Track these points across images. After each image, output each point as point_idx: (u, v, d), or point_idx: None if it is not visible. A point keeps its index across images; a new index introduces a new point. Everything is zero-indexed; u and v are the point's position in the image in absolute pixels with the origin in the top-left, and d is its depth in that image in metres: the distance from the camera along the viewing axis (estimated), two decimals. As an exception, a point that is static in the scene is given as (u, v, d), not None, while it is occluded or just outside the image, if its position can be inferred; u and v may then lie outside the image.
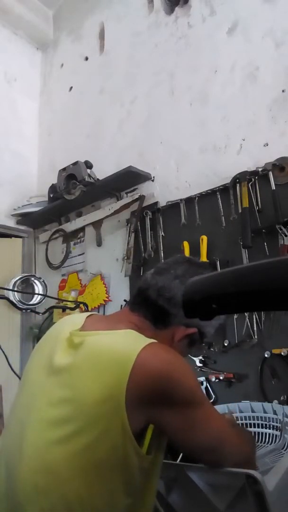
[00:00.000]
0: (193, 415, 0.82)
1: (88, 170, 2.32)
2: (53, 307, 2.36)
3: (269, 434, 1.32)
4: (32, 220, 2.75)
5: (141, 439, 0.81)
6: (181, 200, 1.97)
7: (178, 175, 2.08)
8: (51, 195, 2.54)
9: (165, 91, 2.23)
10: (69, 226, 2.59)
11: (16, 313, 2.61)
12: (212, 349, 1.73)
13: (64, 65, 3.02)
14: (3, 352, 2.01)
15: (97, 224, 2.44)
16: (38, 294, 2.58)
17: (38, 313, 2.46)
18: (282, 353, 1.52)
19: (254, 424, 1.36)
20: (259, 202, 1.70)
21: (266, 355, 1.57)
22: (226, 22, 1.99)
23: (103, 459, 0.77)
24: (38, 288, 2.63)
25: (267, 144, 1.76)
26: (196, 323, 0.95)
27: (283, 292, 0.45)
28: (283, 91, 1.74)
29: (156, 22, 2.35)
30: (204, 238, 1.81)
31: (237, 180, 1.76)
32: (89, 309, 2.22)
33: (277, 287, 0.45)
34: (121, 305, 2.13)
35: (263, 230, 1.64)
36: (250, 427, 1.36)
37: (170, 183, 2.10)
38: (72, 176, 2.35)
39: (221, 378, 1.68)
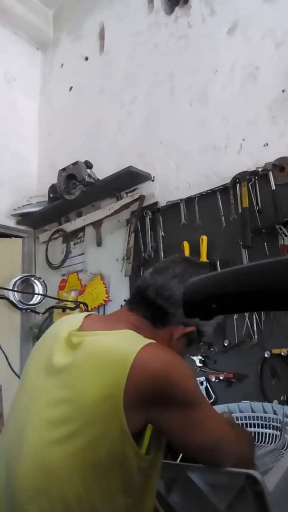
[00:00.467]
0: (192, 415, 0.82)
1: (88, 170, 2.32)
2: (53, 307, 2.36)
3: (269, 434, 1.32)
4: (32, 220, 2.75)
5: (140, 439, 0.81)
6: (181, 200, 1.97)
7: (178, 175, 2.08)
8: (51, 195, 2.54)
9: (165, 91, 2.23)
10: (69, 226, 2.59)
11: (16, 313, 2.61)
12: (212, 349, 1.73)
13: (64, 65, 3.02)
14: (3, 352, 2.01)
15: (97, 224, 2.44)
16: (38, 294, 2.58)
17: (38, 313, 2.46)
18: (282, 353, 1.52)
19: (254, 424, 1.36)
20: (259, 202, 1.70)
21: (266, 355, 1.57)
22: (226, 22, 1.99)
23: (101, 459, 0.77)
24: (38, 288, 2.63)
25: (267, 144, 1.76)
26: (194, 322, 0.95)
27: (283, 292, 0.45)
28: (283, 91, 1.74)
29: (156, 22, 2.35)
30: (204, 238, 1.81)
31: (237, 180, 1.76)
32: (89, 309, 2.22)
33: (277, 287, 0.45)
34: (121, 305, 2.13)
35: (263, 230, 1.64)
36: (250, 427, 1.36)
37: (170, 183, 2.10)
38: (72, 176, 2.35)
39: (221, 378, 1.68)
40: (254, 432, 1.35)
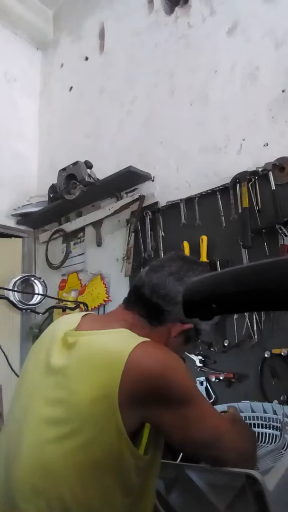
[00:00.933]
0: (188, 413, 0.82)
1: (88, 170, 2.32)
2: (53, 307, 2.36)
3: (269, 434, 1.32)
4: (32, 220, 2.75)
5: (138, 439, 0.81)
6: (181, 200, 1.97)
7: (178, 175, 2.08)
8: (51, 195, 2.54)
9: (165, 91, 2.23)
10: (69, 226, 2.59)
11: (16, 313, 2.61)
12: (212, 349, 1.73)
13: (64, 65, 3.02)
14: (3, 352, 2.01)
15: (97, 224, 2.44)
16: (38, 294, 2.58)
17: (38, 313, 2.46)
18: (282, 353, 1.51)
19: (254, 424, 1.36)
20: (259, 202, 1.70)
21: (266, 355, 1.57)
22: (226, 22, 1.99)
23: (98, 459, 0.77)
24: (38, 288, 2.63)
25: (267, 144, 1.76)
26: (192, 320, 0.95)
27: (283, 292, 0.45)
28: (283, 91, 1.74)
29: (156, 22, 2.35)
30: (204, 238, 1.81)
31: (237, 180, 1.76)
32: (89, 309, 2.22)
33: (277, 287, 0.45)
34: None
35: (263, 230, 1.64)
36: (250, 427, 1.36)
37: (170, 183, 2.10)
38: (72, 176, 2.35)
39: (221, 378, 1.68)
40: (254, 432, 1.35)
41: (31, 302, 2.57)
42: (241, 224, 1.68)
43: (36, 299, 2.58)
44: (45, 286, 2.64)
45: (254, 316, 1.62)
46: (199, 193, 1.91)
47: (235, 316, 1.66)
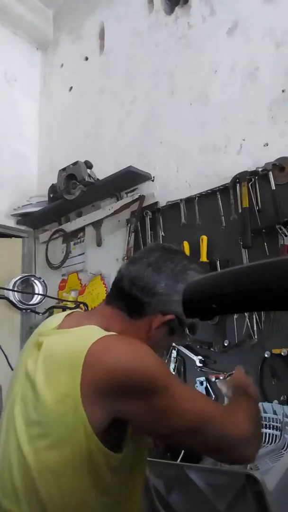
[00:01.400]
0: (159, 402, 0.77)
1: (88, 170, 2.32)
2: (53, 307, 2.36)
3: (269, 434, 1.32)
4: (32, 220, 2.75)
5: (109, 436, 0.78)
6: (181, 200, 1.97)
7: (178, 175, 2.08)
8: (51, 195, 2.54)
9: (165, 91, 2.23)
10: (69, 226, 2.59)
11: (16, 313, 2.61)
12: (212, 349, 1.73)
13: (64, 65, 3.02)
14: (3, 352, 2.01)
15: (97, 224, 2.44)
16: (38, 294, 2.58)
17: (38, 313, 2.46)
18: (282, 353, 1.52)
19: (254, 424, 1.36)
20: (259, 202, 1.70)
21: (266, 355, 1.57)
22: (226, 22, 1.99)
23: (69, 459, 0.76)
24: (38, 288, 2.63)
25: (267, 144, 1.76)
26: (173, 310, 0.92)
27: (283, 292, 0.45)
28: (283, 91, 1.74)
29: (156, 22, 2.35)
30: (204, 238, 1.81)
31: (237, 180, 1.76)
32: (89, 309, 2.22)
33: (277, 287, 0.45)
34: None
35: (263, 230, 1.64)
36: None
37: (170, 183, 2.10)
38: (72, 176, 2.35)
39: (221, 378, 1.68)
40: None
41: (31, 302, 2.57)
42: (241, 224, 1.68)
43: (36, 299, 2.58)
44: (45, 286, 2.64)
45: (254, 316, 1.62)
46: (199, 193, 1.91)
47: (235, 316, 1.66)
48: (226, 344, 1.68)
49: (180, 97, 2.15)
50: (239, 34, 1.94)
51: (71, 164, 2.36)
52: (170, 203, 2.03)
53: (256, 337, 1.61)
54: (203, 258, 1.79)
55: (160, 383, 0.78)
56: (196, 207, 1.91)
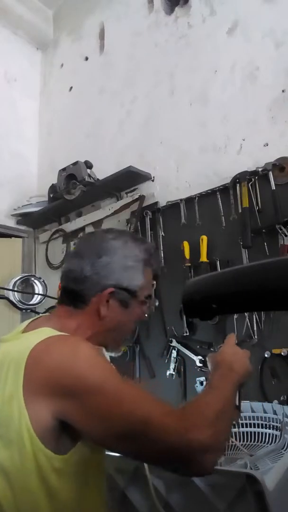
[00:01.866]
0: (91, 403, 0.74)
1: (88, 170, 2.32)
2: (53, 307, 2.35)
3: (269, 434, 1.32)
4: (32, 220, 2.75)
5: (59, 438, 0.78)
6: (181, 200, 1.97)
7: (178, 175, 2.08)
8: (51, 195, 2.54)
9: (165, 91, 2.23)
10: (69, 226, 2.59)
11: (16, 313, 2.61)
12: (212, 349, 1.73)
13: (64, 65, 3.02)
14: None
15: (97, 224, 2.44)
16: (38, 294, 2.58)
17: (38, 313, 2.45)
18: (282, 353, 1.52)
19: (254, 424, 1.36)
20: (259, 202, 1.70)
21: (266, 355, 1.57)
22: (226, 22, 1.99)
23: (16, 459, 0.76)
24: (38, 288, 2.63)
25: (267, 144, 1.76)
26: (107, 283, 0.92)
27: (283, 292, 0.45)
28: (283, 91, 1.74)
29: (156, 22, 2.35)
30: (204, 238, 1.81)
31: (237, 180, 1.76)
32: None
33: (277, 287, 0.46)
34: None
35: (263, 230, 1.64)
36: (250, 427, 1.36)
37: (170, 183, 2.10)
38: (72, 176, 2.35)
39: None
40: (254, 432, 1.35)
41: (31, 302, 2.57)
42: (241, 224, 1.68)
43: (36, 299, 2.58)
44: (45, 286, 2.64)
45: (254, 316, 1.62)
46: (199, 193, 1.91)
47: (235, 316, 1.66)
48: (226, 344, 1.68)
49: (180, 97, 2.15)
50: (239, 34, 1.94)
51: (71, 164, 2.35)
52: (170, 203, 2.03)
53: (256, 337, 1.61)
54: (203, 258, 1.79)
55: (91, 383, 0.75)
56: (196, 207, 1.91)
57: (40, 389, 0.76)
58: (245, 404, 1.39)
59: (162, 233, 2.04)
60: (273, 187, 1.65)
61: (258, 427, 1.35)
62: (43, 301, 2.56)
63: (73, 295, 0.95)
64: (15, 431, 0.76)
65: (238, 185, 1.75)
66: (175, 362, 1.84)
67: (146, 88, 2.34)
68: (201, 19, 2.12)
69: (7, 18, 2.94)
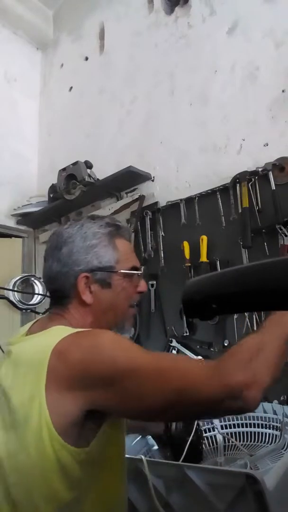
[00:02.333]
0: (127, 386, 0.75)
1: (88, 170, 2.32)
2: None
3: (269, 434, 1.32)
4: (32, 220, 2.75)
5: (81, 431, 0.78)
6: (181, 200, 1.97)
7: (178, 175, 2.08)
8: (51, 195, 2.54)
9: (165, 91, 2.23)
10: (69, 226, 2.59)
11: (16, 313, 2.61)
12: (212, 349, 1.73)
13: (64, 65, 3.02)
14: (3, 352, 2.01)
15: (97, 224, 2.43)
16: (38, 294, 2.58)
17: (38, 313, 2.45)
18: (282, 353, 1.51)
19: (254, 424, 1.36)
20: (259, 202, 1.70)
21: (266, 355, 1.56)
22: (226, 22, 1.99)
23: (36, 458, 0.76)
24: (38, 288, 2.63)
25: (267, 144, 1.76)
26: (77, 271, 0.92)
27: (283, 292, 0.45)
28: (283, 91, 1.74)
29: (156, 22, 2.35)
30: (204, 238, 1.81)
31: (237, 180, 1.76)
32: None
33: (277, 287, 0.45)
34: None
35: (263, 230, 1.64)
36: (250, 427, 1.36)
37: (170, 183, 2.10)
38: (72, 176, 2.35)
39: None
40: (254, 432, 1.35)
41: (31, 302, 2.56)
42: (241, 224, 1.68)
43: (36, 299, 2.58)
44: (45, 286, 2.64)
45: (254, 316, 1.62)
46: (199, 193, 1.91)
47: (235, 316, 1.66)
48: (226, 344, 1.68)
49: (180, 97, 2.15)
50: (239, 34, 1.94)
51: (71, 164, 2.35)
52: (170, 203, 2.03)
53: (256, 337, 1.61)
54: (203, 258, 1.79)
55: (122, 366, 0.75)
56: (196, 207, 1.91)
57: (66, 385, 0.76)
58: (245, 404, 1.39)
59: (162, 233, 2.04)
60: (273, 187, 1.65)
61: (258, 427, 1.35)
62: (43, 301, 2.56)
63: (54, 294, 0.97)
64: (32, 431, 0.76)
65: (238, 185, 1.75)
66: (175, 362, 1.83)
67: (146, 88, 2.34)
68: (201, 19, 2.12)
69: (7, 18, 2.94)
